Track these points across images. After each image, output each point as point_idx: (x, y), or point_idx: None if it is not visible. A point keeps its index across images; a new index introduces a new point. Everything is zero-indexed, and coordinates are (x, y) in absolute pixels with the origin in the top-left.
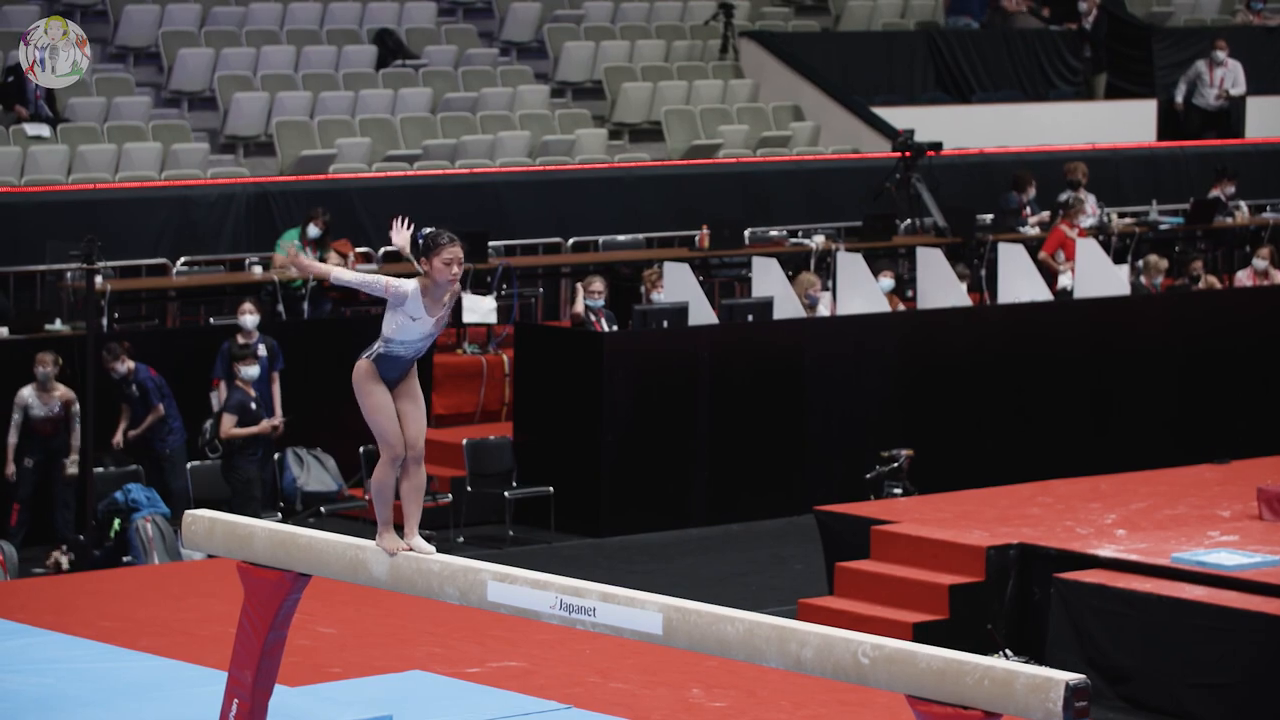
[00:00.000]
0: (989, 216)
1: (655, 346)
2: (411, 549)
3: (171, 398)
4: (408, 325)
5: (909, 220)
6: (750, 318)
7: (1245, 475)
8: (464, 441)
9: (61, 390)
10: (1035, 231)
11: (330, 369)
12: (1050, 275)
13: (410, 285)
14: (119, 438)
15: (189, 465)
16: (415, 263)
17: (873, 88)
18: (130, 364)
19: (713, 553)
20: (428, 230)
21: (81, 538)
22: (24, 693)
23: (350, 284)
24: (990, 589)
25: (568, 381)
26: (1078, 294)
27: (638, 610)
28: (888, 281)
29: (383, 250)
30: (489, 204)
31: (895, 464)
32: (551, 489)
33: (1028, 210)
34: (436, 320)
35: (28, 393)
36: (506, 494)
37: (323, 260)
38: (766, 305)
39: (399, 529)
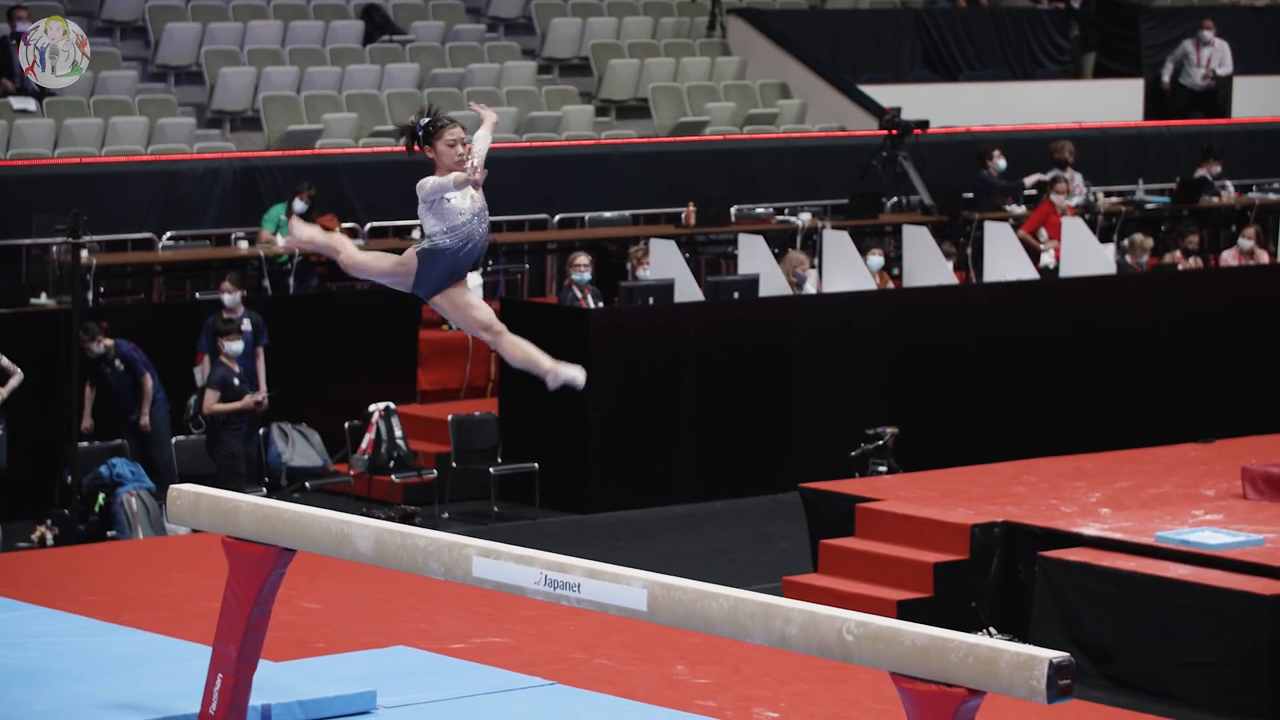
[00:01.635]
0: None
1: (641, 323)
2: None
3: (153, 370)
4: (445, 208)
5: (895, 198)
6: (736, 295)
7: (1230, 454)
8: (449, 417)
9: None
10: (1022, 210)
11: (315, 344)
12: (1033, 253)
13: (428, 180)
14: (89, 422)
15: (174, 440)
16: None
17: (860, 66)
18: (108, 342)
19: (698, 530)
20: (424, 119)
21: (66, 512)
22: (8, 666)
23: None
24: (975, 567)
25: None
26: (1064, 273)
27: (622, 586)
28: (877, 259)
29: (369, 225)
30: None
31: (880, 442)
32: (537, 465)
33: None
34: (470, 197)
35: None
36: (492, 470)
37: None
38: (752, 282)
39: None
